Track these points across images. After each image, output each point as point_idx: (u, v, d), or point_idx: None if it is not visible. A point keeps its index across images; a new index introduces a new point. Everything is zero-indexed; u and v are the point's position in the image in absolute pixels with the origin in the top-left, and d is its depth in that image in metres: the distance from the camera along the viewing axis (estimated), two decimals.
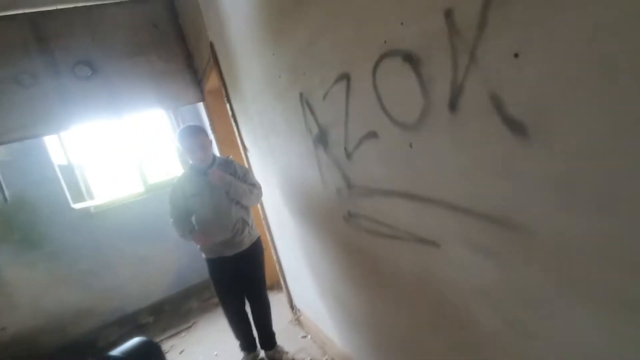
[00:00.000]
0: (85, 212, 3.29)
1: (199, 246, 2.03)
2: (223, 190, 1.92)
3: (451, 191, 0.84)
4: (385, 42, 0.87)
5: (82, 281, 3.30)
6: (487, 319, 0.87)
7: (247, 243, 2.05)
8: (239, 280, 2.10)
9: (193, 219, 2.04)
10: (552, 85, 0.55)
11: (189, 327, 3.14)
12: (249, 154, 2.44)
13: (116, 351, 1.10)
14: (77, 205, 3.23)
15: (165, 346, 2.91)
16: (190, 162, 2.00)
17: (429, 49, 0.75)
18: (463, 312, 0.95)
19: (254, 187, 2.03)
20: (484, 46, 0.63)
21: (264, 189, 2.21)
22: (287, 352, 2.29)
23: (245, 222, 2.04)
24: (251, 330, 2.25)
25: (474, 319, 0.91)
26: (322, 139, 1.36)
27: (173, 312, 3.52)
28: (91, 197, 3.47)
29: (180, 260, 3.69)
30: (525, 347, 0.79)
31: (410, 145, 0.90)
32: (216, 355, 2.56)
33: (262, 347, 2.31)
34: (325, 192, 1.48)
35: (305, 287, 2.27)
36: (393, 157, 0.99)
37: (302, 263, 2.15)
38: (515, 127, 0.63)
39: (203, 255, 2.09)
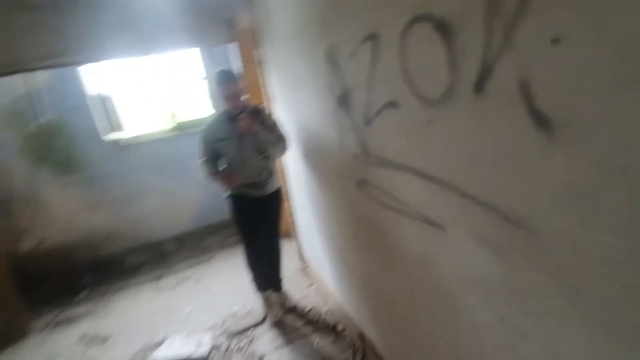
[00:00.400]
0: (115, 143, 3.44)
1: (223, 187, 2.10)
2: (250, 138, 1.94)
3: (464, 177, 0.80)
4: (419, 2, 0.78)
5: (112, 207, 3.56)
6: (479, 311, 0.88)
7: (269, 190, 2.12)
8: (257, 221, 2.17)
9: (220, 162, 2.09)
10: (591, 82, 0.49)
11: (207, 259, 3.38)
12: (274, 105, 2.41)
13: None
14: (107, 136, 3.37)
15: (183, 274, 3.17)
16: (222, 107, 2.00)
17: (464, 19, 0.67)
18: (457, 300, 0.95)
19: (281, 138, 2.01)
20: (522, 26, 0.55)
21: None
22: (289, 299, 2.42)
23: (269, 171, 2.08)
24: (266, 271, 2.37)
25: (467, 309, 0.92)
26: (344, 101, 1.31)
27: (194, 245, 3.78)
28: (121, 129, 3.61)
29: (203, 199, 3.87)
30: (513, 344, 0.80)
31: (429, 122, 0.85)
32: (228, 288, 2.77)
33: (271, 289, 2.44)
34: (342, 155, 1.46)
35: (314, 242, 2.34)
36: (410, 132, 0.94)
37: (313, 219, 2.20)
38: (542, 121, 0.57)
39: (227, 193, 2.14)
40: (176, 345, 2.14)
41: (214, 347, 2.11)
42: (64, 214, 3.42)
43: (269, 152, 2.01)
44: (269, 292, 2.36)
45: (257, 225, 2.18)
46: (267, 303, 2.33)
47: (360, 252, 1.59)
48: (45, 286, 3.24)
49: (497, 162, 0.69)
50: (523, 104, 0.59)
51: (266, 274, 2.35)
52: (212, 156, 2.06)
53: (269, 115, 2.09)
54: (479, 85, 0.67)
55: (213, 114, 2.12)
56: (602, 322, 0.58)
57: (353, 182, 1.42)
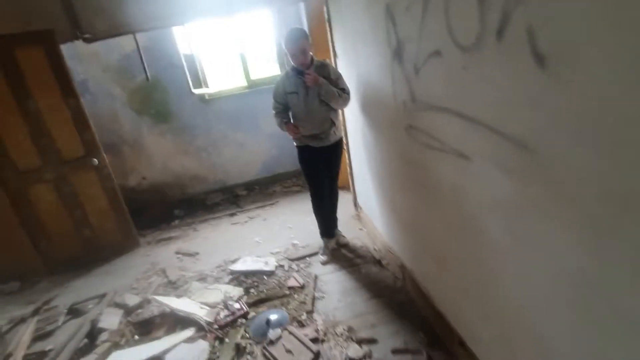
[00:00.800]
0: (201, 97, 3.96)
1: (291, 136, 2.40)
2: (316, 91, 2.16)
3: (489, 113, 0.97)
4: None
5: (197, 154, 4.17)
6: (495, 228, 1.07)
7: (331, 140, 2.34)
8: (322, 169, 2.43)
9: (290, 113, 2.39)
10: (579, 23, 0.64)
11: (272, 204, 3.85)
12: (338, 60, 2.61)
13: None
14: (196, 91, 3.89)
15: (253, 213, 3.68)
16: (292, 63, 2.24)
17: None
18: (479, 221, 1.15)
19: (344, 91, 2.21)
20: None
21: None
22: (344, 237, 2.75)
23: (332, 122, 2.30)
24: (331, 218, 2.65)
25: (486, 229, 1.11)
26: (398, 52, 1.48)
27: (261, 191, 4.29)
28: (206, 85, 4.11)
29: (270, 151, 4.32)
30: (516, 250, 0.99)
31: (464, 68, 1.02)
32: (290, 226, 3.20)
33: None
34: (394, 104, 1.65)
35: (367, 189, 2.60)
36: (451, 77, 1.11)
37: (367, 167, 2.44)
38: (540, 60, 0.73)
39: (295, 143, 2.44)
40: (249, 262, 2.63)
41: (278, 267, 2.55)
42: (160, 157, 4.11)
43: (332, 103, 2.21)
44: (328, 239, 2.67)
45: (320, 173, 2.45)
46: (326, 244, 2.66)
47: (405, 192, 1.81)
48: (147, 214, 4.01)
49: (511, 97, 0.86)
50: (528, 46, 0.75)
51: (327, 217, 2.65)
52: (283, 108, 2.36)
53: (334, 69, 2.29)
54: (500, 32, 0.83)
55: (285, 71, 2.36)
56: (590, 224, 0.75)
57: (402, 128, 1.61)
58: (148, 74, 3.30)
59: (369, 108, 2.09)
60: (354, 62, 2.22)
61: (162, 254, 3.14)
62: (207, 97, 3.99)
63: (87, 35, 2.85)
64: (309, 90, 2.19)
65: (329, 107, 2.25)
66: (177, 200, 4.23)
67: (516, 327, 1.10)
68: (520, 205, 0.94)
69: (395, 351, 1.70)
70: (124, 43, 3.59)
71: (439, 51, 1.14)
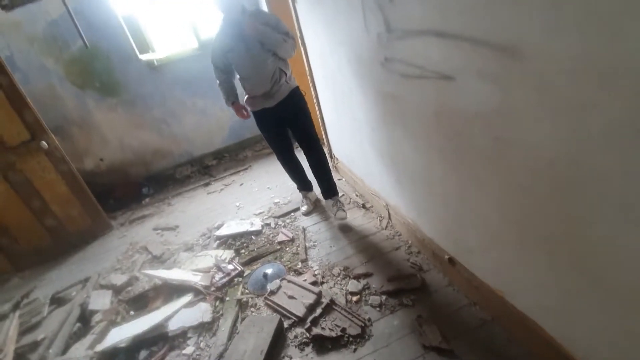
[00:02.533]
0: (150, 64, 3.64)
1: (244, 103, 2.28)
2: (257, 41, 1.99)
3: (471, 25, 0.98)
4: None
5: (155, 126, 3.92)
6: (479, 137, 1.12)
7: (285, 91, 2.15)
8: (284, 128, 2.32)
9: (234, 81, 2.26)
10: None
11: (246, 168, 3.78)
12: (296, 4, 2.48)
13: None
14: (143, 57, 3.57)
15: (227, 180, 3.60)
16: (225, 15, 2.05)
17: None
18: (463, 135, 1.20)
19: (287, 36, 2.01)
20: None
21: (312, 42, 2.33)
22: (344, 210, 2.40)
23: (282, 72, 2.11)
24: (305, 174, 2.58)
25: (472, 138, 1.17)
26: None
27: (232, 158, 4.17)
28: (153, 50, 3.77)
29: (234, 117, 4.14)
30: (500, 153, 1.05)
31: None
32: (268, 187, 3.17)
33: (324, 197, 2.50)
34: (367, 37, 1.61)
35: (342, 138, 2.61)
36: None
37: (342, 113, 2.42)
38: None
39: (249, 109, 2.32)
40: (233, 226, 2.60)
41: (265, 225, 2.56)
42: (115, 135, 3.82)
43: (278, 51, 2.02)
44: (314, 192, 2.64)
45: (285, 132, 2.34)
46: (306, 198, 2.67)
47: (386, 129, 1.83)
48: (113, 197, 3.79)
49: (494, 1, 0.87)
50: None
51: (297, 170, 2.56)
52: (226, 76, 2.21)
53: (271, 14, 2.13)
54: None
55: (218, 28, 2.15)
56: (567, 119, 0.81)
57: (378, 63, 1.60)
58: (86, 40, 2.96)
59: (340, 48, 2.04)
60: (316, 1, 2.11)
61: (139, 233, 3.02)
62: (155, 62, 3.68)
63: (4, 2, 2.48)
64: (250, 42, 2.01)
65: (276, 56, 2.07)
66: (143, 177, 4.02)
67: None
68: (505, 112, 0.99)
69: (391, 279, 1.81)
70: (49, 8, 3.17)
71: None
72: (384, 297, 1.71)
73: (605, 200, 0.80)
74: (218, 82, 2.28)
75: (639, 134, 0.68)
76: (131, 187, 3.87)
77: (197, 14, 3.72)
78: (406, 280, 1.78)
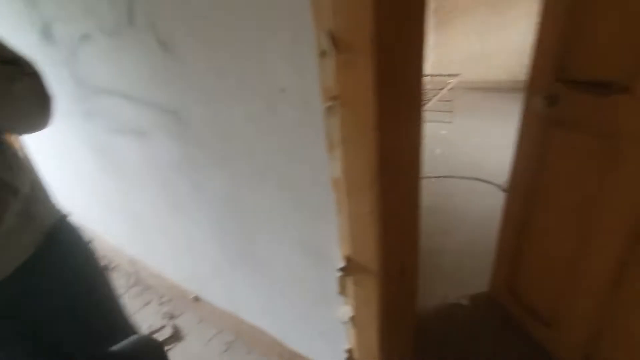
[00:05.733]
0: None
1: None
2: None
3: (144, 91, 1.12)
4: None
5: None
6: (183, 184, 1.28)
7: (26, 244, 0.68)
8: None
9: None
10: (181, 20, 0.87)
11: None
12: None
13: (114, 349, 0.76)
14: None
15: None
16: None
17: None
18: (172, 183, 1.33)
19: (17, 65, 0.65)
20: None
21: None
22: None
23: (8, 189, 0.64)
24: None
25: (179, 185, 1.31)
26: (46, 32, 1.34)
27: None
28: None
29: None
30: (199, 196, 1.24)
31: (116, 49, 1.10)
32: None
33: None
34: (65, 89, 1.50)
35: (74, 195, 2.26)
36: (106, 58, 1.17)
37: (67, 169, 2.10)
38: (163, 45, 0.93)
39: None
40: None
41: None
42: None
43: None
44: None
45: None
46: None
47: (112, 181, 1.74)
48: None
49: (155, 73, 1.04)
50: (153, 34, 0.93)
51: None
52: None
53: None
54: (130, 18, 0.96)
55: None
56: (225, 167, 1.06)
57: (80, 116, 1.51)
58: None
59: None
60: None
61: None
62: None
63: None
64: None
65: None
66: None
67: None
68: (192, 162, 1.18)
69: None
70: None
71: (89, 35, 1.15)
72: None
73: (259, 219, 1.10)
74: None
75: (265, 176, 0.98)
76: None
77: None
78: (158, 333, 1.72)
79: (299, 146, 0.80)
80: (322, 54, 0.62)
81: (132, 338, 0.79)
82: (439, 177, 2.86)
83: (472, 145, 3.36)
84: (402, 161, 0.77)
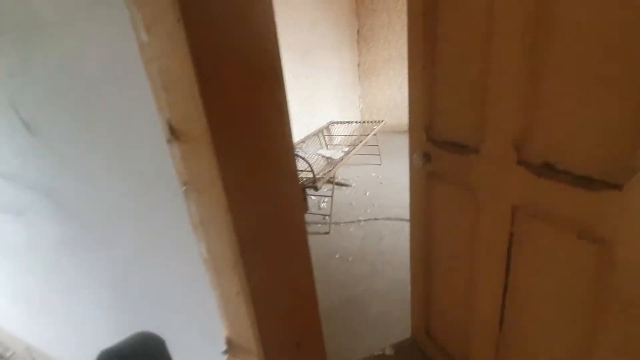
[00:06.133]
0: None
1: None
2: None
3: (24, 171, 1.04)
4: None
5: None
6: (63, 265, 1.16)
7: None
8: None
9: None
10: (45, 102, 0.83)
11: None
12: None
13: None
14: None
15: None
16: None
17: None
18: (52, 262, 1.20)
19: None
20: None
21: None
22: None
23: None
24: None
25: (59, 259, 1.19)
26: None
27: None
28: None
29: None
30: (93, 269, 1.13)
31: None
32: None
33: None
34: None
35: None
36: None
37: None
38: (28, 126, 0.88)
39: None
40: None
41: None
42: None
43: None
44: None
45: None
46: None
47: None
48: None
49: (23, 154, 0.97)
50: (16, 115, 0.88)
51: None
52: None
53: None
54: None
55: None
56: (113, 245, 0.99)
57: None
58: None
59: None
60: None
61: None
62: None
63: None
64: None
65: None
66: None
67: None
68: (70, 242, 1.09)
69: None
70: None
71: None
72: None
73: (149, 299, 1.02)
74: None
75: (146, 254, 0.93)
76: None
77: None
78: None
79: (168, 227, 0.77)
80: (169, 141, 0.63)
81: (133, 334, 0.82)
82: (368, 219, 2.96)
83: (398, 185, 3.55)
84: (276, 234, 0.78)
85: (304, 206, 1.02)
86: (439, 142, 1.13)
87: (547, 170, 0.80)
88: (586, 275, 0.78)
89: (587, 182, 0.73)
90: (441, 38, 1.02)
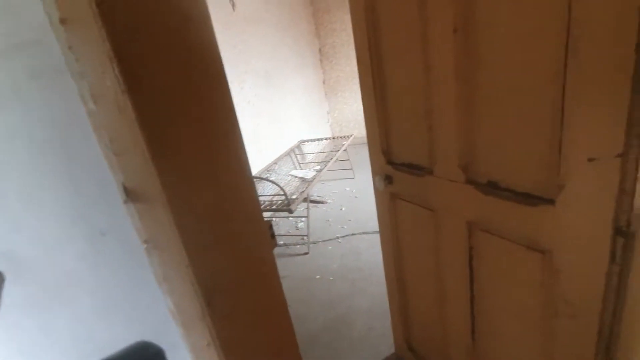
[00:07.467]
0: None
1: None
2: None
3: None
4: None
5: None
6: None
7: None
8: None
9: None
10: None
11: None
12: None
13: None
14: None
15: None
16: None
17: None
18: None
19: None
20: None
21: None
22: None
23: None
24: None
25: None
26: None
27: None
28: None
29: None
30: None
31: None
32: None
33: None
34: None
35: None
36: None
37: None
38: None
39: None
40: None
41: None
42: None
43: None
44: None
45: None
46: None
47: None
48: None
49: None
50: None
51: None
52: None
53: None
54: None
55: None
56: (73, 303, 0.96)
57: None
58: None
59: None
60: None
61: None
62: None
63: None
64: None
65: None
66: None
67: None
68: (28, 303, 1.05)
69: None
70: None
71: None
72: None
73: None
74: None
75: (109, 312, 0.91)
76: None
77: None
78: None
79: (134, 283, 0.77)
80: (125, 202, 0.64)
81: (131, 343, 0.83)
82: (345, 235, 2.99)
83: (372, 197, 3.61)
84: (243, 279, 0.79)
85: (271, 244, 1.04)
86: (397, 165, 1.18)
87: (492, 188, 0.87)
88: (536, 283, 0.84)
89: (527, 199, 0.79)
90: (388, 72, 1.09)
